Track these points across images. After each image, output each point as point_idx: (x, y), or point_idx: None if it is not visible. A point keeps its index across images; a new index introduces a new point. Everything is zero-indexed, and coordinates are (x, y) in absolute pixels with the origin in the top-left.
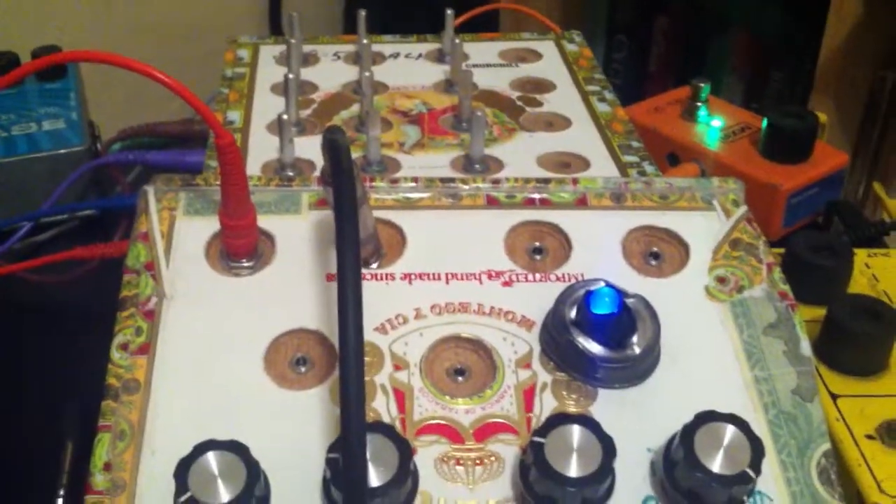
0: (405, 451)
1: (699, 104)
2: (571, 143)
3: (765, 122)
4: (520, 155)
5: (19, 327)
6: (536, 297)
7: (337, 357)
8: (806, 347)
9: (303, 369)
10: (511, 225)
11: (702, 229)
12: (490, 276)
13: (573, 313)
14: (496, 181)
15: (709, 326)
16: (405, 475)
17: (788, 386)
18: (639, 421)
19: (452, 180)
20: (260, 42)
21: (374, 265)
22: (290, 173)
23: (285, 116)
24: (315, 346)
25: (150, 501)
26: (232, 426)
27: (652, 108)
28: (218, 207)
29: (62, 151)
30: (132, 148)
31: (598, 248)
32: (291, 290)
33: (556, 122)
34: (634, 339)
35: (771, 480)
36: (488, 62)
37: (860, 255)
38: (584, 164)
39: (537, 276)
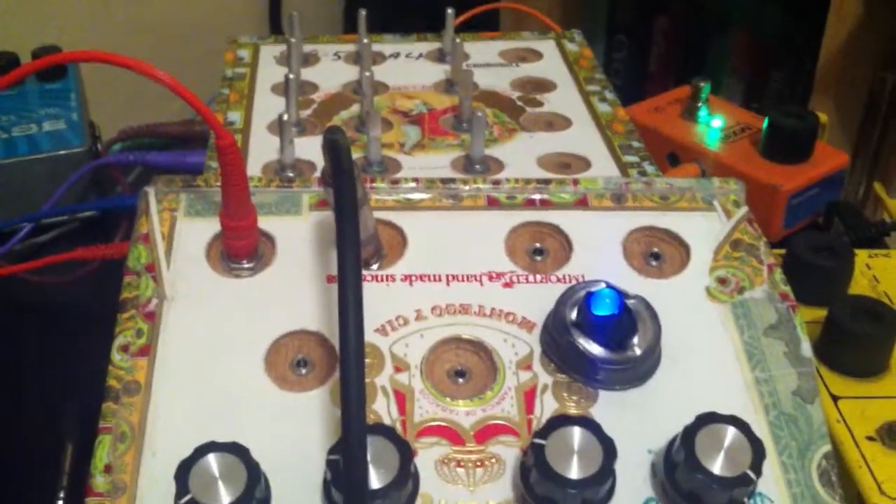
0: (406, 453)
1: (699, 104)
2: (572, 143)
3: (766, 123)
4: (520, 155)
5: (20, 328)
6: (537, 299)
7: (337, 358)
8: (807, 348)
9: (303, 371)
10: (512, 226)
11: (702, 230)
12: (491, 278)
13: (574, 314)
14: (497, 182)
15: (709, 327)
16: (406, 477)
17: (789, 387)
18: (639, 422)
19: (453, 181)
20: (260, 42)
21: (375, 266)
22: (291, 174)
23: (286, 117)
24: (316, 348)
25: (151, 503)
26: (232, 428)
27: (652, 107)
28: (219, 208)
29: (62, 152)
30: (133, 149)
31: (599, 249)
32: (292, 291)
33: (557, 123)
34: (635, 340)
35: (772, 482)
36: (488, 62)
37: (861, 255)
38: (585, 164)
39: (538, 277)
